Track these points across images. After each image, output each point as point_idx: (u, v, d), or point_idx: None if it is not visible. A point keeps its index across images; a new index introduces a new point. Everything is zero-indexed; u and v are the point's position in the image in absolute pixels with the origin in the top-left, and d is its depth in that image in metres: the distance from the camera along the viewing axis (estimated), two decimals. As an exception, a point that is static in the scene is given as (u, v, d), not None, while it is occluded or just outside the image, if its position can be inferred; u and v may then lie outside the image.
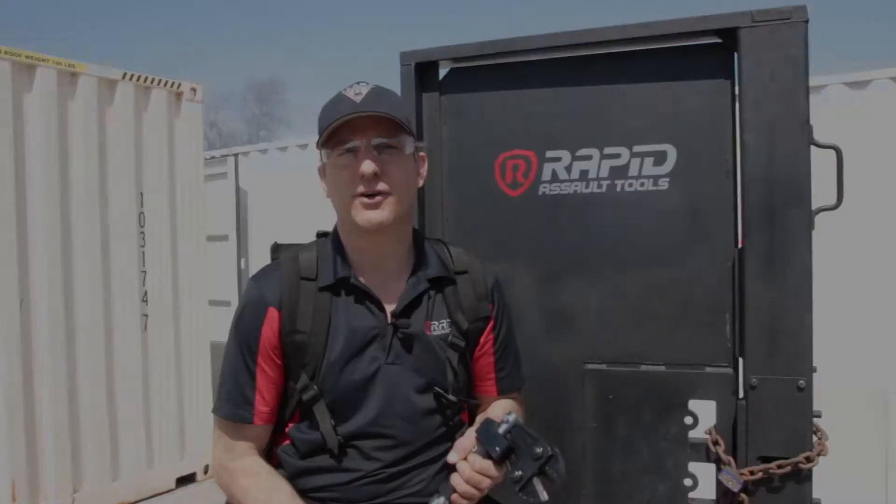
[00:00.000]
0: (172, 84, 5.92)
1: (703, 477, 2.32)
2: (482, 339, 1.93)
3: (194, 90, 6.06)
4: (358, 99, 1.69)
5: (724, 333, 2.29)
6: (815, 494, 2.19)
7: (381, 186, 1.71)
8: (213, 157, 9.91)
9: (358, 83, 1.74)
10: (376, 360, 1.77)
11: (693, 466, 2.31)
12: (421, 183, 1.87)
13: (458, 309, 1.87)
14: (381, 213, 1.71)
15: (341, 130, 1.69)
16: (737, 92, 2.25)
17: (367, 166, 1.67)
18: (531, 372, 2.37)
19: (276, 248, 1.89)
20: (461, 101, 2.58)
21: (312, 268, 1.79)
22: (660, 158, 2.34)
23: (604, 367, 2.40)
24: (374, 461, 1.78)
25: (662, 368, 2.35)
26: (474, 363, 1.95)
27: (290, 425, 1.82)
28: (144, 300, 5.68)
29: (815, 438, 2.17)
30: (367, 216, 1.71)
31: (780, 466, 2.14)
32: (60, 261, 5.13)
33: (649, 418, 2.34)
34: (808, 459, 2.13)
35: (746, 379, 2.21)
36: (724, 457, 2.20)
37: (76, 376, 5.24)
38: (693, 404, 2.30)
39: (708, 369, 2.30)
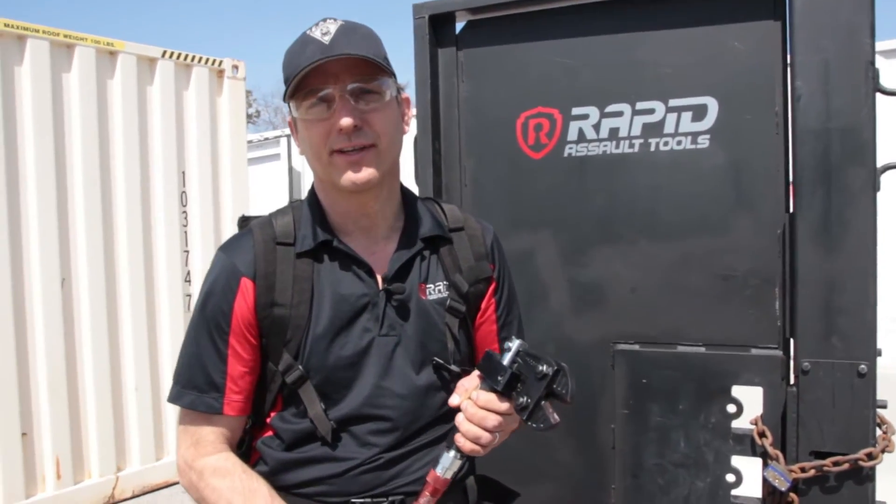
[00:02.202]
0: (214, 62, 5.82)
1: (748, 472, 2.06)
2: (483, 304, 1.71)
3: (236, 67, 5.95)
4: (326, 39, 1.47)
5: (772, 310, 2.02)
6: (880, 496, 1.91)
7: (363, 140, 1.49)
8: (265, 139, 9.91)
9: (325, 20, 1.51)
10: (369, 332, 1.56)
11: (736, 461, 2.06)
12: (407, 129, 1.64)
13: (456, 270, 1.65)
14: (367, 172, 1.49)
15: (311, 78, 1.47)
16: (788, 33, 1.96)
17: (345, 120, 1.45)
18: (555, 353, 2.14)
19: (244, 221, 1.68)
20: (479, 56, 2.35)
21: (289, 232, 1.58)
22: (699, 113, 2.07)
23: (636, 347, 2.15)
24: (370, 447, 1.57)
25: (702, 350, 2.09)
26: (475, 332, 1.72)
27: (273, 414, 1.62)
28: (187, 280, 5.62)
29: (878, 432, 1.89)
30: (350, 177, 1.49)
31: (836, 464, 1.87)
32: (102, 240, 5.10)
33: (687, 405, 2.09)
34: (870, 457, 1.85)
35: (798, 362, 1.93)
36: (771, 451, 1.94)
37: (119, 356, 5.23)
38: (737, 391, 2.04)
39: (754, 351, 2.03)
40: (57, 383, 4.87)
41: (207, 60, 5.77)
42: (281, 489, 1.54)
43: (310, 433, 1.56)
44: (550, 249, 2.25)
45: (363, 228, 1.61)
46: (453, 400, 1.49)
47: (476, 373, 1.50)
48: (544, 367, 1.35)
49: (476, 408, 1.42)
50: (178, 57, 5.57)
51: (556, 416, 1.35)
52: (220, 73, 5.89)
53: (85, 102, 5.01)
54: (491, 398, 1.42)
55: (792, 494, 1.91)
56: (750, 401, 2.05)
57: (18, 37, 4.74)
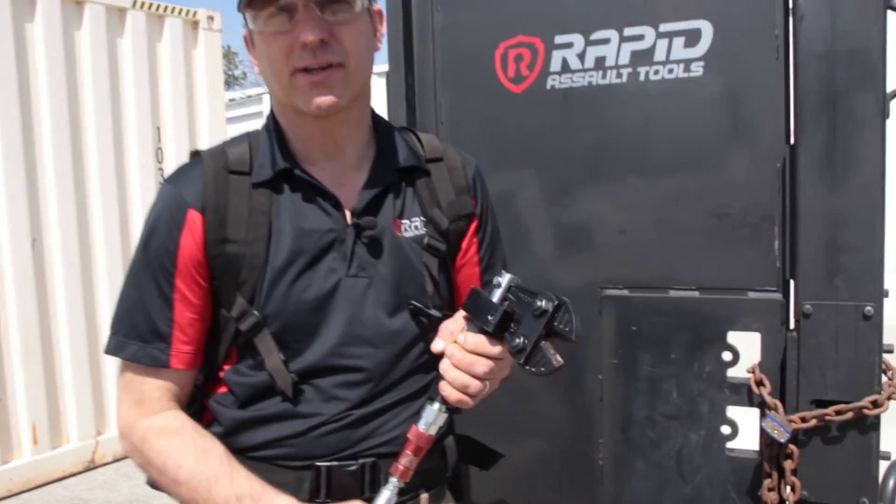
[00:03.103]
0: (187, 12, 5.59)
1: (745, 424, 1.93)
2: (464, 245, 1.56)
3: (211, 18, 5.73)
4: None
5: (770, 250, 1.87)
6: (884, 447, 1.78)
7: (330, 56, 1.31)
8: (248, 97, 9.68)
9: None
10: (335, 273, 1.40)
11: (732, 412, 1.93)
12: (379, 46, 1.47)
13: (435, 205, 1.49)
14: (333, 95, 1.32)
15: None
16: (790, -55, 1.79)
17: (310, 35, 1.28)
18: (537, 300, 2.00)
19: (196, 155, 1.51)
20: (455, -19, 2.16)
21: (245, 160, 1.41)
22: (692, 38, 1.90)
23: (625, 293, 2.01)
24: (337, 402, 1.41)
25: (696, 294, 1.94)
26: (455, 274, 1.57)
27: (226, 368, 1.46)
28: (165, 240, 5.46)
29: (884, 378, 1.76)
30: (315, 101, 1.32)
31: (838, 412, 1.74)
32: (74, 199, 4.93)
33: (680, 354, 1.95)
34: (876, 404, 1.72)
35: (799, 305, 1.80)
36: (769, 400, 1.81)
37: (95, 318, 5.09)
38: (733, 337, 1.91)
39: (751, 294, 1.89)
40: (31, 347, 4.74)
41: (181, 11, 5.54)
42: (236, 453, 1.39)
43: (267, 387, 1.41)
44: (533, 189, 2.09)
45: (329, 156, 1.44)
46: (436, 345, 1.32)
47: (461, 314, 1.32)
48: (542, 303, 1.17)
49: (463, 352, 1.26)
50: (150, 7, 5.34)
51: (558, 358, 1.17)
52: (195, 24, 5.67)
53: (51, 55, 4.81)
54: (480, 341, 1.25)
55: (791, 446, 1.78)
56: (747, 348, 1.92)
57: (-25, -14, 4.51)
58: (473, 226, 1.56)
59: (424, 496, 1.51)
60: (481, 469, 1.73)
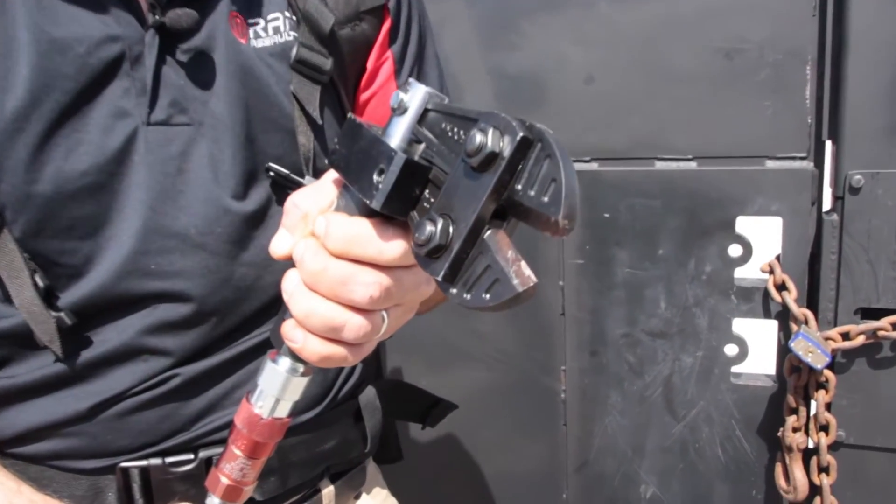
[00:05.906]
0: None
1: (756, 342, 1.44)
2: (370, 63, 0.93)
3: None
4: None
5: (800, 100, 1.32)
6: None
7: None
8: None
9: None
10: (125, 119, 0.78)
11: (740, 326, 1.42)
12: None
13: None
14: None
15: None
16: None
17: None
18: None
19: None
20: None
21: None
22: None
23: (594, 166, 1.45)
24: (148, 357, 0.83)
25: (692, 165, 1.40)
26: (357, 113, 0.94)
27: None
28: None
29: (960, 275, 1.27)
30: None
31: (896, 325, 1.24)
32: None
33: (670, 249, 1.42)
34: (951, 311, 1.23)
35: (841, 176, 1.27)
36: (795, 310, 1.30)
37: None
38: (743, 224, 1.38)
39: (770, 164, 1.35)
40: None
41: None
42: None
43: (21, 337, 0.80)
44: (463, 26, 1.49)
45: None
46: (278, 244, 0.61)
47: (328, 176, 0.62)
48: (487, 136, 0.45)
49: (326, 258, 0.55)
50: None
51: (524, 270, 0.45)
52: None
53: None
54: (360, 231, 0.54)
55: (826, 372, 1.29)
56: (762, 239, 1.40)
57: None
58: (385, 29, 0.92)
59: (327, 490, 0.98)
60: (424, 427, 1.22)
